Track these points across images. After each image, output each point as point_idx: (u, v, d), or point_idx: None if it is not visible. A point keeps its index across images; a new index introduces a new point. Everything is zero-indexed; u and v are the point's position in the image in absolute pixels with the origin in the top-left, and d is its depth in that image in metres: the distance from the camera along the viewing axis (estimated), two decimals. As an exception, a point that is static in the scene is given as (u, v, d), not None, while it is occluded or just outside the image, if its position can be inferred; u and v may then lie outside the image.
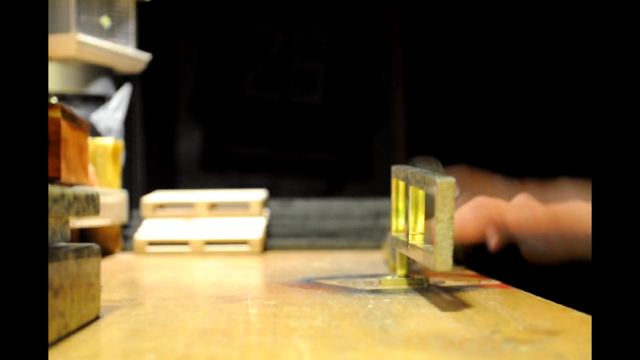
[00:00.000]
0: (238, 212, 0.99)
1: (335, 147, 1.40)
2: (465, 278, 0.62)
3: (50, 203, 0.35)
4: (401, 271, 0.58)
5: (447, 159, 1.23)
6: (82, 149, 0.67)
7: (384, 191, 0.85)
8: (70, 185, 0.64)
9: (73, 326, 0.39)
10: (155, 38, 1.26)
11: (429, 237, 0.52)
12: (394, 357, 0.33)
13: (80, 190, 0.41)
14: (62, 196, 0.37)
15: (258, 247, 0.93)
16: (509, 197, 0.64)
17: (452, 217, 0.44)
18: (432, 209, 0.46)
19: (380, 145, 1.40)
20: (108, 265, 0.81)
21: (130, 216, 1.02)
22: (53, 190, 0.36)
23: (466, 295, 0.51)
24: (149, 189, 1.15)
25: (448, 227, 0.44)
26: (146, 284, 0.67)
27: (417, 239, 0.53)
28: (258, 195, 1.01)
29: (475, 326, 0.40)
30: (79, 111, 0.98)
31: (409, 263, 0.58)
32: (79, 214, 0.40)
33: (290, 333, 0.38)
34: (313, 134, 1.37)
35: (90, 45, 0.97)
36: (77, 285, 0.40)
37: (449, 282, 0.59)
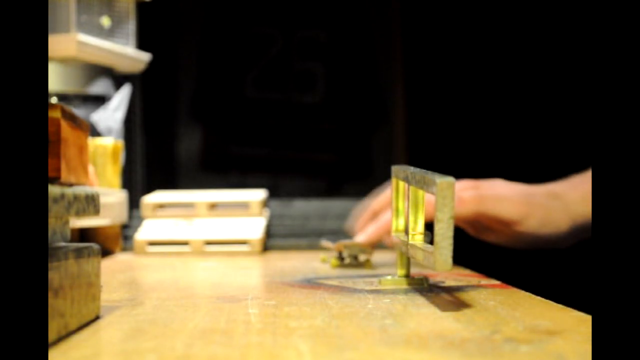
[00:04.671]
0: (238, 212, 0.99)
1: (335, 147, 1.40)
2: (465, 278, 0.62)
3: (50, 203, 0.35)
4: (401, 271, 0.58)
5: (447, 159, 1.23)
6: (82, 149, 0.67)
7: (384, 191, 0.85)
8: (70, 185, 0.64)
9: (73, 326, 0.39)
10: (155, 38, 1.26)
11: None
12: (394, 357, 0.33)
13: (80, 190, 0.41)
14: (62, 196, 0.37)
15: (258, 247, 0.93)
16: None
17: (452, 217, 0.44)
18: None
19: (380, 145, 1.40)
20: (108, 265, 0.81)
21: (130, 216, 1.02)
22: (53, 190, 0.36)
23: (466, 295, 0.51)
24: (149, 189, 1.15)
25: (448, 227, 0.44)
26: (146, 284, 0.67)
27: (417, 239, 0.53)
28: (258, 195, 1.01)
29: (475, 326, 0.40)
30: (79, 111, 0.98)
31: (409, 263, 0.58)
32: (79, 214, 0.40)
33: (290, 333, 0.38)
34: (313, 134, 1.37)
35: (90, 45, 0.97)
36: (77, 285, 0.40)
37: (449, 282, 0.59)
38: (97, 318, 0.43)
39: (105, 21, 1.00)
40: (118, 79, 1.06)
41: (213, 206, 0.99)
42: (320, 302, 0.49)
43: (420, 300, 0.49)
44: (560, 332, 0.38)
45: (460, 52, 1.34)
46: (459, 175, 0.80)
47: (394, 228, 0.60)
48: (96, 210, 0.43)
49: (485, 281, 0.60)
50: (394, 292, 0.54)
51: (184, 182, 1.38)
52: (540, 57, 1.26)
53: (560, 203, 0.81)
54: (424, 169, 0.52)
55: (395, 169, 0.59)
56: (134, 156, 1.18)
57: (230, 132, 1.40)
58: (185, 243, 0.94)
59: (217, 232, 0.95)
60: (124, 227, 1.00)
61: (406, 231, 0.55)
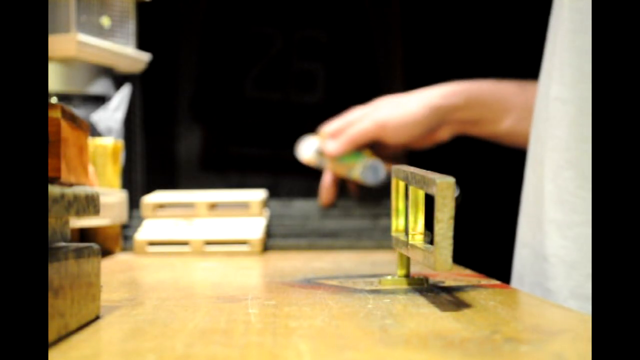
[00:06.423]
0: (238, 212, 0.99)
1: (335, 147, 1.40)
2: (465, 278, 0.62)
3: (50, 203, 0.35)
4: (401, 271, 0.58)
5: (447, 159, 1.23)
6: (82, 149, 0.67)
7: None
8: (70, 185, 0.64)
9: (73, 326, 0.39)
10: (155, 38, 1.25)
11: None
12: (394, 357, 0.33)
13: (80, 190, 0.41)
14: (62, 196, 0.37)
15: (258, 247, 0.93)
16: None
17: (452, 217, 0.44)
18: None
19: (380, 145, 1.39)
20: (108, 265, 0.81)
21: (130, 216, 1.02)
22: (53, 190, 0.36)
23: (466, 295, 0.51)
24: (149, 189, 1.15)
25: (448, 227, 0.44)
26: (146, 284, 0.67)
27: (417, 239, 0.53)
28: (258, 195, 1.01)
29: (475, 326, 0.40)
30: (79, 111, 0.98)
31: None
32: (79, 214, 0.40)
33: (290, 333, 0.38)
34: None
35: (90, 45, 0.97)
36: (77, 285, 0.40)
37: (449, 282, 0.59)
38: (97, 318, 0.43)
39: (105, 21, 1.00)
40: (118, 79, 1.06)
41: (213, 206, 0.99)
42: (320, 302, 0.49)
43: (420, 300, 0.49)
44: (560, 332, 0.38)
45: (460, 51, 1.34)
46: (458, 175, 0.80)
47: (393, 228, 0.60)
48: (96, 210, 0.43)
49: (485, 281, 0.60)
50: (394, 292, 0.54)
51: (184, 182, 1.38)
52: (541, 58, 1.25)
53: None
54: (424, 168, 0.52)
55: (395, 168, 0.59)
56: (134, 156, 1.18)
57: (230, 132, 1.40)
58: (185, 243, 0.94)
59: (217, 232, 0.95)
60: (124, 227, 1.00)
61: (406, 231, 0.55)
